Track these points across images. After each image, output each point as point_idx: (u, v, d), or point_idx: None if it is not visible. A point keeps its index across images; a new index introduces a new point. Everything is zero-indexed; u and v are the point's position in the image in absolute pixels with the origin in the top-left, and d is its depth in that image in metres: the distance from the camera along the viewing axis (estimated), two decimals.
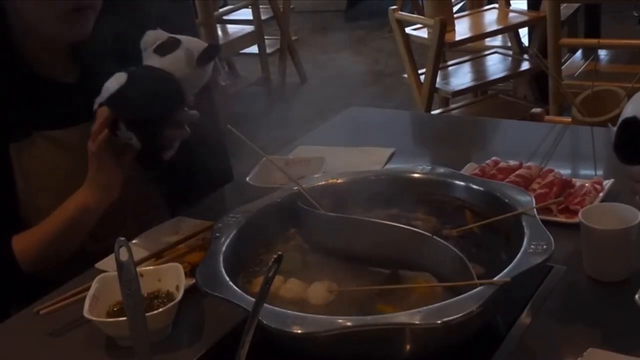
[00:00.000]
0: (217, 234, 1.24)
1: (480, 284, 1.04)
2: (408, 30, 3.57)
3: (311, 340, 1.03)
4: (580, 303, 1.22)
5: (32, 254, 1.43)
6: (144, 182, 1.57)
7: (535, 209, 1.21)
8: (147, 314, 1.09)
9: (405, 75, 3.63)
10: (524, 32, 3.99)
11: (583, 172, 1.66)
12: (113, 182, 1.41)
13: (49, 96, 1.47)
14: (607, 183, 1.48)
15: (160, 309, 1.19)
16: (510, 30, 3.83)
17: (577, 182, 1.49)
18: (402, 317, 1.01)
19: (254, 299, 0.96)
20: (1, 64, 1.45)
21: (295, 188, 1.36)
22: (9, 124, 1.44)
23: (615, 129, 1.17)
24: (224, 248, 1.21)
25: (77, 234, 1.45)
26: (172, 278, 1.26)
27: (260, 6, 4.89)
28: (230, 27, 4.97)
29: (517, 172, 1.53)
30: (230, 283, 1.11)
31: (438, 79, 3.46)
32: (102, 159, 1.38)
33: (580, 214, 1.25)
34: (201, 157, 1.57)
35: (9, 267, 1.43)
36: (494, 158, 1.62)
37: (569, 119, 2.23)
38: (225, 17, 4.89)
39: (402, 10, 3.66)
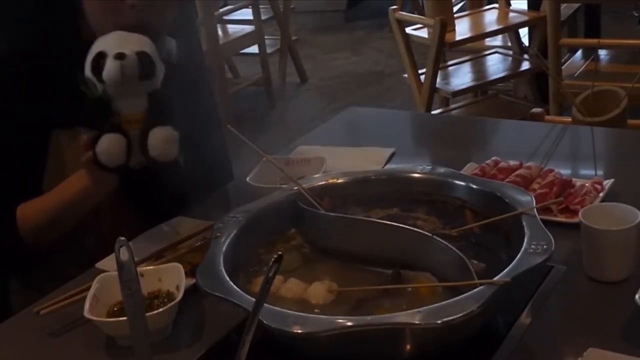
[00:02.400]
0: (217, 234, 1.24)
1: (480, 284, 1.05)
2: (408, 30, 3.57)
3: (311, 340, 1.03)
4: (580, 303, 1.22)
5: (31, 223, 1.45)
6: (144, 184, 1.56)
7: (535, 209, 1.21)
8: (148, 314, 1.09)
9: (405, 75, 3.63)
10: (524, 32, 3.99)
11: (583, 172, 1.66)
12: (108, 180, 1.42)
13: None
14: (607, 183, 1.48)
15: (161, 309, 1.19)
16: (510, 30, 3.83)
17: (577, 182, 1.49)
18: (402, 317, 1.01)
19: (254, 299, 0.97)
20: (68, 57, 1.43)
21: (295, 188, 1.36)
22: (55, 111, 1.45)
23: None
24: (224, 248, 1.20)
25: (77, 211, 1.46)
26: (173, 278, 1.26)
27: (260, 6, 4.89)
28: (230, 27, 4.97)
29: (517, 172, 1.53)
30: (231, 283, 1.11)
31: (438, 79, 3.46)
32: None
33: (580, 214, 1.25)
34: (201, 157, 1.57)
35: (9, 234, 1.45)
36: (494, 158, 1.62)
37: (569, 119, 2.23)
38: (225, 17, 4.89)
39: (402, 10, 3.66)
